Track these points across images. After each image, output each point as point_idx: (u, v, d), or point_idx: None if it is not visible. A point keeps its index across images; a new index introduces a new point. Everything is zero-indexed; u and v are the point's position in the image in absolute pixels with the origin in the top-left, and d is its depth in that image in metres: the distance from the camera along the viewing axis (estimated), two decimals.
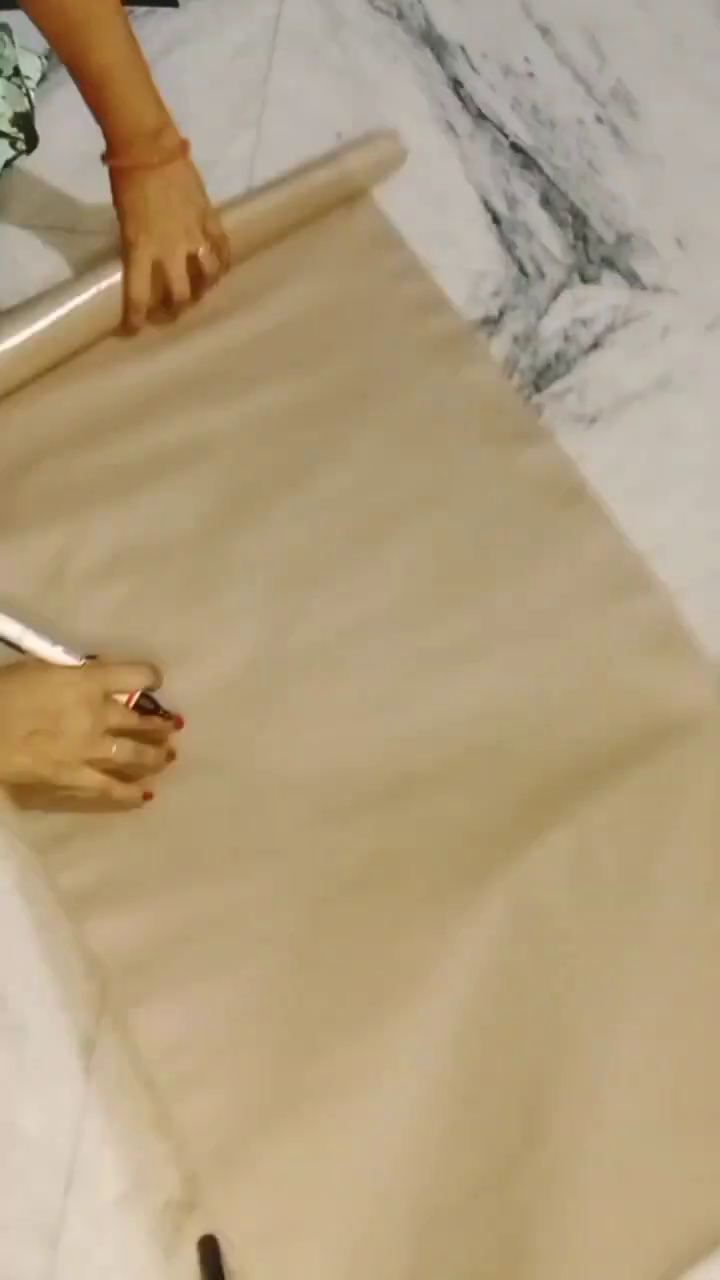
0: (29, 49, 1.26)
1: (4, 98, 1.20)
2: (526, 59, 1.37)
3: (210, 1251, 0.91)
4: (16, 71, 1.22)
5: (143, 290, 1.17)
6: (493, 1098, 0.91)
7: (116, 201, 1.16)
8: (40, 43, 1.15)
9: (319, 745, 1.04)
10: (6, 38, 1.22)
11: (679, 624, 1.09)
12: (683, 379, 1.22)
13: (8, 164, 1.22)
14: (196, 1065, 0.93)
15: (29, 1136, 0.94)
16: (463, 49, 1.38)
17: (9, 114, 1.21)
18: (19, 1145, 0.94)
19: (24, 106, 1.22)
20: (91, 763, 0.96)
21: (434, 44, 1.38)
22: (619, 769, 1.02)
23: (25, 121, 1.23)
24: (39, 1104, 0.95)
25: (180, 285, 1.18)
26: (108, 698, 0.97)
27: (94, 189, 1.25)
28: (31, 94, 1.23)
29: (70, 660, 0.98)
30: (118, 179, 1.15)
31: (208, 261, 1.18)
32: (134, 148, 1.13)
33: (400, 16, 1.39)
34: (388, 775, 1.03)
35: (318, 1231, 0.89)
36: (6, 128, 1.21)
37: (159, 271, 1.17)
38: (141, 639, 1.07)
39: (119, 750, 0.97)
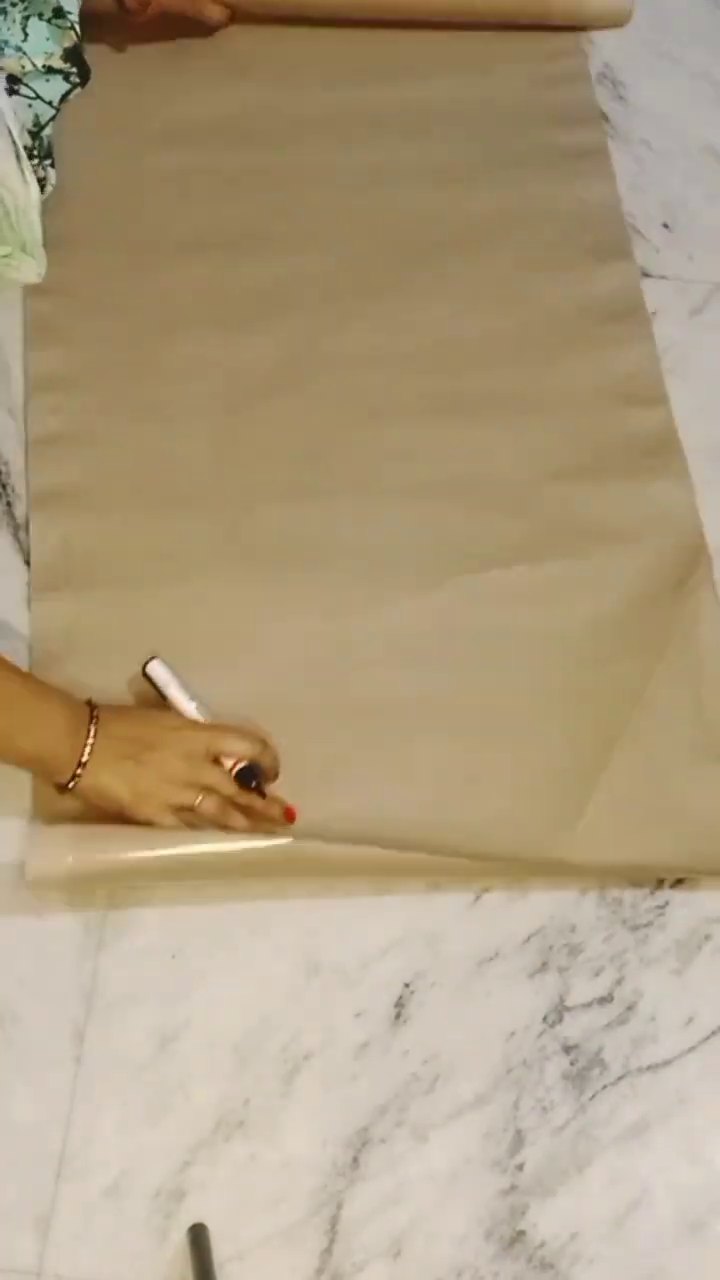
0: None
1: (48, 39, 1.21)
2: None
3: (200, 1239, 0.91)
4: (58, 12, 1.21)
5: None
6: None
7: None
8: None
9: None
10: None
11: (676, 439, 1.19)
12: (669, 364, 1.23)
13: (64, 98, 1.23)
14: None
15: (20, 1125, 0.94)
16: None
17: (59, 51, 1.21)
18: (10, 1134, 0.94)
19: (71, 41, 1.22)
20: (175, 809, 0.98)
21: None
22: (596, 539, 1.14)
23: (76, 55, 1.23)
24: (30, 1093, 0.95)
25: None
26: (211, 755, 0.99)
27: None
28: (76, 27, 1.22)
29: (197, 717, 1.02)
30: None
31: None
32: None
33: None
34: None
35: None
36: (59, 64, 1.22)
37: None
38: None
39: (204, 804, 0.98)
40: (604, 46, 1.37)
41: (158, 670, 1.03)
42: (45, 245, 1.20)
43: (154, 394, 1.20)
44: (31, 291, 1.23)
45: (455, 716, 1.07)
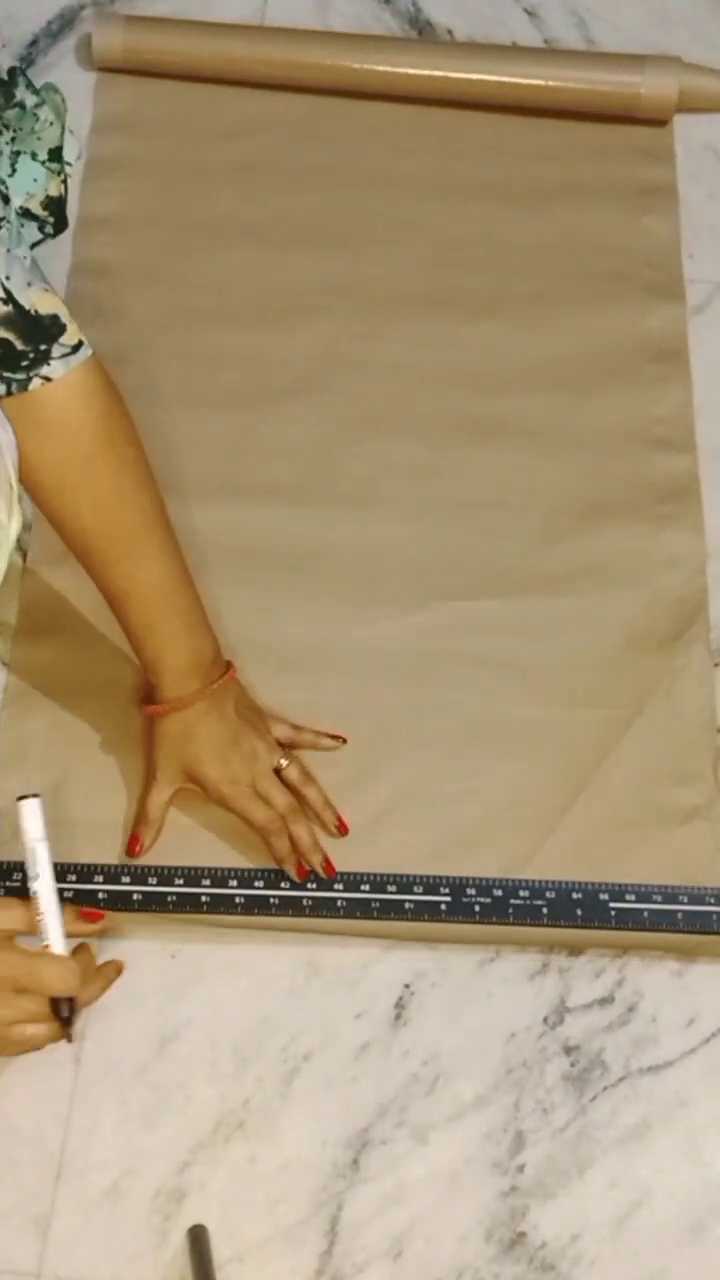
0: (74, 131, 1.16)
1: (36, 180, 1.11)
2: (514, 42, 1.36)
3: (199, 1241, 0.91)
4: (54, 155, 1.11)
5: (266, 816, 1.01)
6: None
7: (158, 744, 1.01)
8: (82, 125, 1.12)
9: None
10: (52, 114, 1.10)
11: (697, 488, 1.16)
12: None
13: (34, 246, 1.13)
14: None
15: (19, 1126, 0.94)
16: (450, 32, 1.37)
17: (41, 196, 1.12)
18: (10, 1134, 0.94)
19: (59, 191, 1.13)
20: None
21: (421, 27, 1.37)
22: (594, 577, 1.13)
23: (58, 206, 1.15)
24: (29, 1093, 0.95)
25: (282, 805, 1.01)
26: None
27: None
28: (69, 179, 1.14)
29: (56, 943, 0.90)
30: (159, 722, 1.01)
31: (295, 773, 1.02)
32: (169, 689, 0.99)
33: (388, 0, 1.38)
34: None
35: None
36: (37, 210, 1.12)
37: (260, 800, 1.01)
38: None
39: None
40: (604, 44, 1.36)
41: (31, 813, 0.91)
42: (93, 225, 1.21)
43: (180, 381, 1.20)
44: (73, 270, 1.23)
45: (420, 737, 1.07)
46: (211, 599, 1.09)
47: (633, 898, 1.00)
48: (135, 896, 0.99)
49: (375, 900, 1.00)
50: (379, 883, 1.00)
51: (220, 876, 1.00)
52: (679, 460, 1.17)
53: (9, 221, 0.83)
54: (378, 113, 1.32)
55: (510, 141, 1.32)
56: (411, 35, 1.37)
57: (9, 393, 0.86)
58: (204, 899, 1.00)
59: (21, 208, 1.11)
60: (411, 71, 1.30)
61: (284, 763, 1.01)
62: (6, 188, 1.05)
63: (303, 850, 1.00)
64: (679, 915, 0.99)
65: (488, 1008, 0.98)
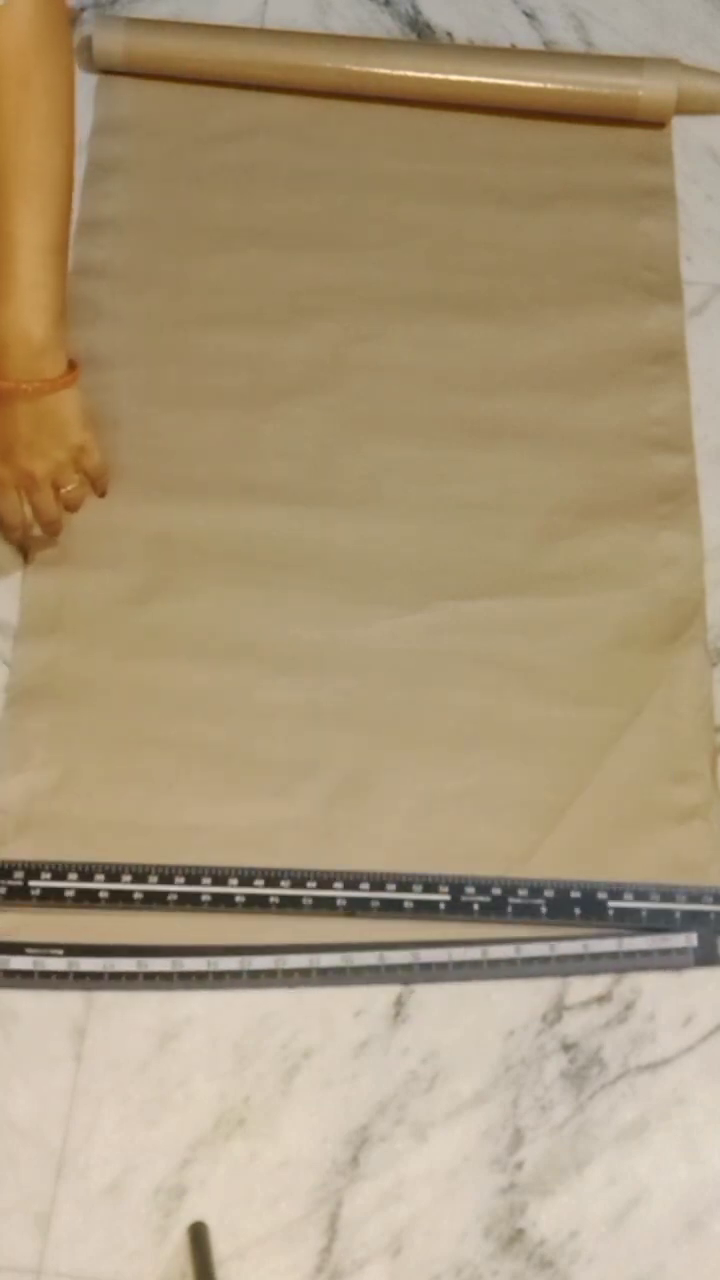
0: None
1: None
2: (513, 44, 1.37)
3: (200, 1237, 0.91)
4: None
5: (13, 513, 1.08)
6: None
7: None
8: None
9: None
10: None
11: (694, 489, 1.17)
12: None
13: None
14: None
15: (20, 1124, 0.95)
16: (450, 35, 1.37)
17: None
18: (10, 1132, 0.94)
19: None
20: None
21: (421, 30, 1.38)
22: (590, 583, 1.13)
23: None
24: (30, 1091, 0.95)
25: (44, 518, 1.08)
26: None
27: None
28: None
29: None
30: None
31: (76, 496, 1.09)
32: (10, 364, 1.00)
33: (387, 3, 1.39)
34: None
35: None
36: None
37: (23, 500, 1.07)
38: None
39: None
40: (603, 47, 1.37)
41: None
42: (93, 227, 1.23)
43: (181, 382, 1.20)
44: (74, 272, 1.21)
45: (420, 737, 1.07)
46: (212, 599, 1.10)
47: (631, 896, 1.00)
48: (136, 895, 1.00)
49: (375, 899, 1.00)
50: (378, 881, 1.01)
51: (220, 875, 1.01)
52: (676, 461, 1.17)
53: None
54: (377, 115, 1.33)
55: (509, 144, 1.32)
56: (411, 37, 1.37)
57: None
58: (204, 897, 1.00)
59: None
60: (411, 74, 1.31)
61: (69, 486, 1.05)
62: None
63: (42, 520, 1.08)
64: (676, 914, 1.00)
65: (486, 1005, 0.99)
